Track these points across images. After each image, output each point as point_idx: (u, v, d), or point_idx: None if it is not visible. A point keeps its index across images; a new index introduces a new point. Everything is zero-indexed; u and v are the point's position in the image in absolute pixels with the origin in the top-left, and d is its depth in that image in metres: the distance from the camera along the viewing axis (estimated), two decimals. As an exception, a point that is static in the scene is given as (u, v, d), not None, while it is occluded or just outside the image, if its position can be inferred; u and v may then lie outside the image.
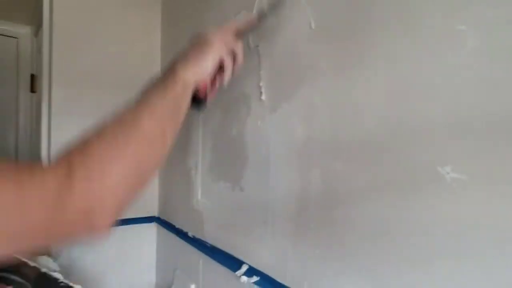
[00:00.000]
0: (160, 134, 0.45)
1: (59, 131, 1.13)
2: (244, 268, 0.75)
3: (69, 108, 1.15)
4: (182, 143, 1.11)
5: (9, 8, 1.72)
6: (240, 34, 0.61)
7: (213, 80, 0.59)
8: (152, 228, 1.37)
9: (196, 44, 0.56)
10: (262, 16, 0.66)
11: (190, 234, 1.07)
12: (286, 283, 0.66)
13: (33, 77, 1.91)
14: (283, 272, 0.67)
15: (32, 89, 1.91)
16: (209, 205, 0.97)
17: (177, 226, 1.18)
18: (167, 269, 1.26)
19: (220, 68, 0.58)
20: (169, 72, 0.51)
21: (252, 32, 0.66)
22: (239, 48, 0.60)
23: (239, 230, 0.82)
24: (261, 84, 0.74)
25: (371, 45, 0.52)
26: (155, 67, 1.33)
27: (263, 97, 0.73)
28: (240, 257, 0.80)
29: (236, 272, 0.76)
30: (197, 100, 0.56)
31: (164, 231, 1.28)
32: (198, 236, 1.02)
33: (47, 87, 1.14)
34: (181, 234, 1.12)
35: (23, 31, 1.91)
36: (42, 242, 0.36)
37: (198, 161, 1.03)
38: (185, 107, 0.50)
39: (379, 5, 0.51)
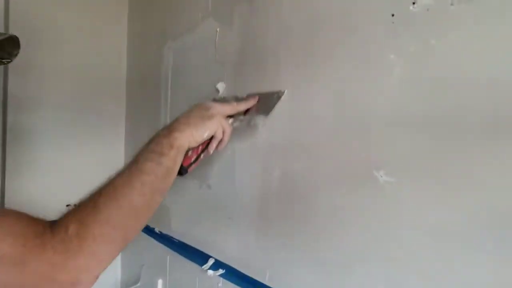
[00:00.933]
0: (148, 204, 0.49)
1: (15, 131, 1.09)
2: (211, 262, 0.79)
3: (27, 106, 1.10)
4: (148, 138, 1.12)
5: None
6: (231, 115, 0.65)
7: (199, 152, 0.60)
8: None
9: (199, 112, 0.58)
10: (255, 107, 0.67)
11: (157, 229, 1.08)
12: (250, 274, 0.71)
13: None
14: (247, 263, 0.72)
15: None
16: (176, 201, 0.99)
17: (143, 222, 1.18)
18: (134, 265, 1.27)
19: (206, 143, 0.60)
20: (167, 133, 0.53)
21: (238, 117, 0.67)
22: (228, 130, 0.62)
23: (206, 226, 0.86)
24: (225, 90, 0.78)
25: (322, 65, 0.59)
26: (121, 67, 1.30)
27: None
28: (207, 251, 0.84)
29: (203, 266, 0.80)
30: (181, 165, 0.56)
31: (130, 227, 1.28)
32: (165, 231, 1.04)
33: (0, 84, 1.08)
34: (147, 230, 1.13)
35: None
36: None
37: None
38: (176, 170, 0.53)
39: (328, 30, 0.58)
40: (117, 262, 1.36)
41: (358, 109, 0.53)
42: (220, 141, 0.61)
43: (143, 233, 1.16)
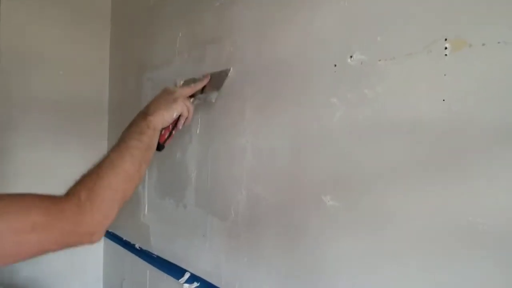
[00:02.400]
0: (138, 171, 0.62)
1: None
2: (187, 275, 0.87)
3: (13, 133, 1.15)
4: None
5: None
6: (192, 95, 0.79)
7: (170, 129, 0.75)
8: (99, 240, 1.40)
9: (165, 98, 0.72)
10: (209, 85, 0.81)
11: (137, 246, 1.14)
12: (221, 287, 0.78)
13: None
14: (219, 277, 0.79)
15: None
16: (155, 219, 1.06)
17: (124, 239, 1.24)
18: (115, 280, 1.31)
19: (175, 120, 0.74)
20: (143, 117, 0.68)
21: (197, 96, 0.82)
22: (191, 108, 0.77)
23: (182, 242, 0.93)
24: (199, 122, 0.87)
25: (277, 104, 0.68)
26: (103, 93, 1.37)
27: (198, 131, 0.87)
28: (183, 266, 0.91)
29: (180, 280, 0.87)
30: (158, 143, 0.71)
31: (112, 243, 1.33)
32: (145, 247, 1.10)
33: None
34: (129, 246, 1.19)
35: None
36: (55, 250, 0.52)
37: (145, 179, 1.11)
38: (154, 146, 0.69)
39: (282, 74, 0.68)
40: (99, 277, 1.40)
41: (308, 143, 0.62)
42: (186, 118, 0.76)
43: (124, 249, 1.22)
